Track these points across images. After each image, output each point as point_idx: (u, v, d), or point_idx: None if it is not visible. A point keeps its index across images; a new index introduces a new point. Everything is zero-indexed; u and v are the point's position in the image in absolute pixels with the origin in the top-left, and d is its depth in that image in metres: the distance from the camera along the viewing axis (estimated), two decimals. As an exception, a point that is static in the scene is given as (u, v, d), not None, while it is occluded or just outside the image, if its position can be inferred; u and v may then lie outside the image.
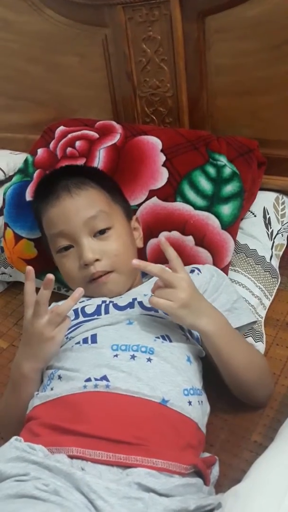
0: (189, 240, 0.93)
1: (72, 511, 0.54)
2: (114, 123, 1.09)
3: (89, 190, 0.84)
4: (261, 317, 0.95)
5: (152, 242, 0.96)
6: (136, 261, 0.71)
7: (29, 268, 0.71)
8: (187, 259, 0.91)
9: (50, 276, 0.69)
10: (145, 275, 0.90)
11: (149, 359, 0.69)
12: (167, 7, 1.02)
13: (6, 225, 1.09)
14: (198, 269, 0.86)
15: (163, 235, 0.94)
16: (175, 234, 0.94)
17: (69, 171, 0.91)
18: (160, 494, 0.57)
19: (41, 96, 1.34)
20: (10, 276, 1.24)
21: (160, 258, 0.93)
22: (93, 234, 0.82)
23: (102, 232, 0.82)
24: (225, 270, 0.93)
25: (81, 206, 0.82)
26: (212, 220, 0.92)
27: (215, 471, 0.69)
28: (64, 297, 0.75)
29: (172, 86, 1.11)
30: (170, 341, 0.73)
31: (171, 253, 0.73)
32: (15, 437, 0.64)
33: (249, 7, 0.95)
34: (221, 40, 1.02)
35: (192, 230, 0.93)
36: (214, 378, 0.79)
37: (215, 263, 0.92)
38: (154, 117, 1.17)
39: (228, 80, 1.05)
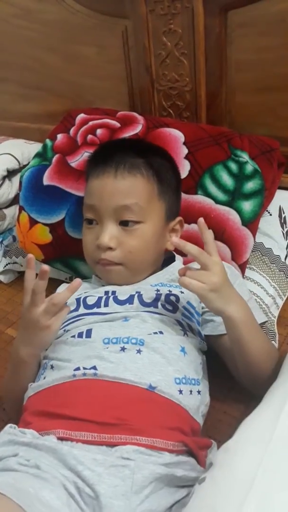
0: (210, 233, 0.89)
1: (46, 482, 0.54)
2: (136, 114, 1.04)
3: (137, 177, 0.77)
4: (274, 316, 0.92)
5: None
6: (176, 239, 0.68)
7: (30, 256, 0.69)
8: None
9: (45, 267, 0.67)
10: (165, 265, 0.86)
11: (138, 351, 0.67)
12: (190, 0, 0.97)
13: (21, 208, 1.04)
14: None
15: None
16: (195, 227, 0.90)
17: (134, 147, 0.83)
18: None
19: (58, 86, 1.29)
20: (21, 266, 1.19)
21: (177, 252, 0.89)
22: (119, 221, 0.77)
23: (128, 224, 0.77)
24: (243, 266, 0.90)
25: (119, 191, 0.76)
26: (233, 216, 0.88)
27: (212, 454, 0.65)
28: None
29: (191, 80, 1.06)
30: (163, 334, 0.70)
31: (208, 236, 0.70)
32: (9, 424, 0.64)
33: (273, 2, 0.91)
34: (243, 35, 0.98)
35: (212, 224, 0.88)
36: (222, 374, 0.76)
37: (233, 259, 0.89)
38: (171, 111, 1.13)
39: (248, 76, 1.01)
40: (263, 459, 0.46)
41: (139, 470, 0.56)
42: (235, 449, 0.50)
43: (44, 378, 0.69)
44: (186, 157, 0.94)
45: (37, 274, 0.68)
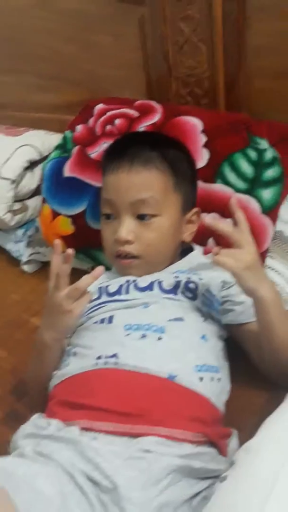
0: (229, 222, 0.89)
1: (45, 469, 0.55)
2: (153, 103, 1.04)
3: (151, 171, 0.78)
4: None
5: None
6: (208, 219, 0.69)
7: (57, 241, 0.71)
8: (226, 241, 0.87)
9: (70, 251, 0.69)
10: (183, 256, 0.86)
11: (159, 338, 0.68)
12: (207, -15, 0.96)
13: (43, 200, 1.06)
14: None
15: (202, 216, 0.90)
16: (214, 216, 0.90)
17: (148, 140, 0.84)
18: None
19: (75, 76, 1.29)
20: (45, 255, 1.21)
21: (197, 241, 0.89)
22: (136, 215, 0.78)
23: (145, 218, 0.78)
24: (263, 255, 0.89)
25: (135, 186, 0.77)
26: (252, 204, 0.88)
27: (233, 444, 0.66)
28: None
29: (209, 66, 1.05)
30: (183, 321, 0.71)
31: (240, 216, 0.70)
32: (37, 414, 0.66)
33: (293, -15, 0.89)
34: (262, 20, 0.95)
35: (232, 213, 0.88)
36: (245, 361, 0.76)
37: (253, 247, 0.89)
38: (190, 99, 1.11)
39: (267, 61, 0.99)
40: (286, 459, 0.46)
41: (156, 462, 0.56)
42: (257, 449, 0.51)
43: (68, 365, 0.70)
44: (205, 146, 0.93)
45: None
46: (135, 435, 0.59)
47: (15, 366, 0.96)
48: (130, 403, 0.62)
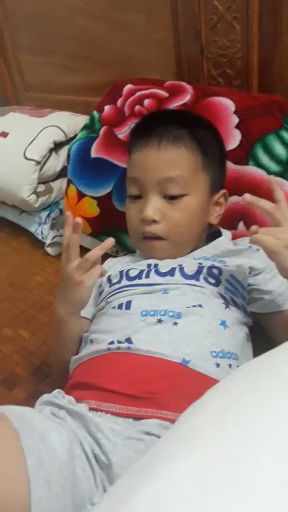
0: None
1: (59, 428, 0.56)
2: (184, 83, 1.01)
3: (181, 149, 0.76)
4: None
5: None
6: (248, 196, 0.66)
7: (69, 213, 0.70)
8: (257, 225, 0.85)
9: (78, 219, 0.68)
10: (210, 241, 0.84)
11: (175, 323, 0.66)
12: None
13: (69, 181, 1.04)
14: None
15: (233, 199, 0.88)
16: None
17: (177, 118, 0.82)
18: None
19: (103, 56, 1.26)
20: (68, 237, 1.21)
21: (227, 224, 0.87)
22: (163, 194, 0.76)
23: (173, 197, 0.76)
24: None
25: (163, 164, 0.75)
26: (286, 186, 0.84)
27: None
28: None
29: (243, 46, 1.01)
30: (202, 307, 0.69)
31: (280, 194, 0.68)
32: (57, 389, 0.66)
33: None
34: (300, -4, 0.92)
35: (264, 196, 0.82)
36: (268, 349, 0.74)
37: (286, 231, 0.86)
38: (221, 80, 1.08)
39: (305, 40, 0.96)
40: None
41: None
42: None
43: (84, 351, 0.70)
44: (237, 127, 0.90)
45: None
46: (139, 417, 0.59)
47: (38, 347, 0.96)
48: (138, 386, 0.61)
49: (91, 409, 0.61)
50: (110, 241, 0.69)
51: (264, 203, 0.66)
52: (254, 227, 0.66)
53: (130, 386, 0.61)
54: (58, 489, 0.51)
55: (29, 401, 0.84)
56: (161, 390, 0.61)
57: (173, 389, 0.61)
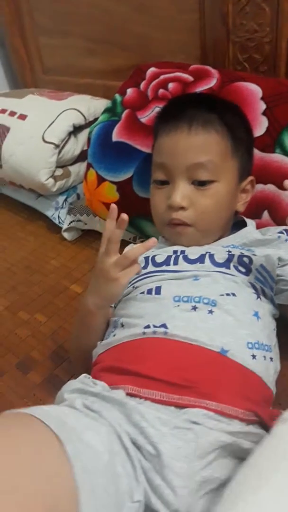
0: (287, 195, 0.84)
1: (96, 425, 0.53)
2: (209, 67, 0.98)
3: (211, 133, 0.74)
4: None
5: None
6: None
7: (114, 206, 0.68)
8: (282, 214, 0.83)
9: (125, 216, 0.66)
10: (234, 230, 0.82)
11: (210, 311, 0.65)
12: None
13: (89, 165, 1.02)
14: None
15: (258, 187, 0.86)
16: (271, 187, 0.85)
17: (206, 102, 0.80)
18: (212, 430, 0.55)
19: (125, 39, 1.24)
20: (85, 224, 1.19)
21: (251, 213, 0.85)
22: (192, 180, 0.74)
23: (202, 183, 0.74)
24: None
25: (193, 148, 0.73)
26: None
27: None
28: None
29: (271, 30, 0.98)
30: (235, 296, 0.67)
31: None
32: (84, 374, 0.64)
33: None
34: None
35: None
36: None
37: (311, 221, 0.84)
38: (247, 65, 1.05)
39: None
40: None
41: (204, 435, 0.54)
42: None
43: (115, 335, 0.68)
44: (264, 113, 0.88)
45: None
46: (182, 406, 0.57)
47: (54, 332, 0.95)
48: (179, 373, 0.59)
49: (128, 394, 0.58)
50: (153, 241, 0.67)
51: None
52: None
53: (170, 373, 0.59)
54: (102, 494, 0.48)
55: (45, 385, 0.84)
56: (203, 379, 0.59)
57: (214, 379, 0.59)
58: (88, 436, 0.51)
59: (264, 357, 0.64)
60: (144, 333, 0.64)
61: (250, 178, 0.80)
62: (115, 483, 0.50)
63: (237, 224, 0.82)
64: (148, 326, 0.64)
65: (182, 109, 0.76)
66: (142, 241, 1.03)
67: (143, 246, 0.67)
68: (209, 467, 0.53)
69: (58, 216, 1.24)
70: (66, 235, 1.21)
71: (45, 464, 0.46)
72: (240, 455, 0.56)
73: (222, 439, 0.54)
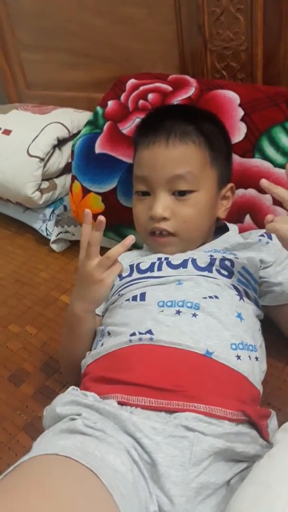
0: (267, 199, 0.85)
1: (111, 447, 0.53)
2: (187, 77, 1.00)
3: (189, 145, 0.75)
4: None
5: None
6: (265, 181, 0.65)
7: (87, 211, 0.69)
8: (264, 218, 0.85)
9: (102, 218, 0.66)
10: (217, 235, 0.84)
11: (194, 314, 0.66)
12: None
13: (74, 177, 1.04)
14: (268, 237, 0.77)
15: (239, 192, 0.88)
16: (252, 192, 0.87)
17: (183, 113, 0.82)
18: (206, 435, 0.55)
19: (106, 52, 1.26)
20: (73, 235, 1.20)
21: (233, 218, 0.87)
22: (172, 191, 0.76)
23: (182, 193, 0.75)
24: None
25: (171, 161, 0.75)
26: (293, 179, 0.85)
27: (272, 425, 0.64)
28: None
29: (247, 38, 1.00)
30: (218, 299, 0.69)
31: (281, 191, 0.65)
32: (72, 386, 0.64)
33: None
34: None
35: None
36: (281, 341, 0.75)
37: (293, 224, 0.85)
38: (225, 73, 1.07)
39: (310, 30, 0.95)
40: None
41: (199, 442, 0.55)
42: None
43: (102, 345, 0.69)
44: (242, 119, 0.90)
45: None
46: (172, 410, 0.58)
47: (45, 343, 0.96)
48: (166, 378, 0.60)
49: (119, 403, 0.59)
50: (130, 239, 0.68)
51: (280, 190, 0.65)
52: (269, 216, 0.65)
53: (158, 379, 0.60)
54: None
55: (37, 396, 0.85)
56: (190, 382, 0.60)
57: (201, 381, 0.60)
58: (111, 460, 0.52)
59: (249, 357, 0.66)
60: (130, 340, 0.65)
61: (230, 185, 0.82)
62: (140, 499, 0.51)
63: (220, 230, 0.84)
64: (134, 334, 0.65)
65: (160, 121, 0.78)
66: (130, 249, 1.05)
67: (122, 245, 0.68)
68: (205, 473, 0.54)
69: (46, 228, 1.25)
70: (54, 246, 1.23)
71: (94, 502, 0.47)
72: (234, 457, 0.57)
73: (217, 446, 0.55)
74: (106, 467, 0.50)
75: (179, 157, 0.75)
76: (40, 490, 0.46)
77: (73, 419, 0.58)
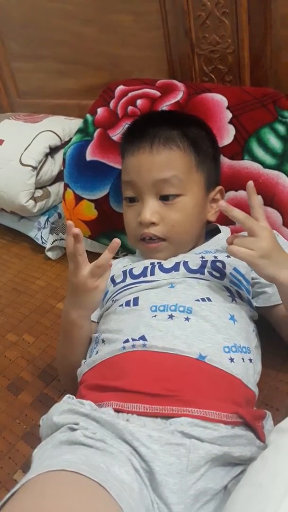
0: (260, 198, 0.86)
1: (114, 457, 0.53)
2: (175, 81, 1.02)
3: (173, 150, 0.76)
4: None
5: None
6: (223, 203, 0.67)
7: (70, 222, 0.69)
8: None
9: (76, 230, 0.67)
10: (209, 237, 0.84)
11: (187, 318, 0.66)
12: None
13: (66, 185, 1.05)
14: None
15: (230, 194, 0.88)
16: (242, 193, 0.88)
17: (168, 119, 0.83)
18: (203, 441, 0.56)
19: (95, 59, 1.27)
20: (68, 241, 1.21)
21: (226, 220, 0.87)
22: (159, 196, 0.76)
23: (168, 197, 0.76)
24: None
25: (156, 166, 0.76)
26: (282, 179, 0.85)
27: (268, 426, 0.65)
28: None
29: (233, 41, 1.01)
30: (211, 301, 0.69)
31: (255, 201, 0.67)
32: (67, 395, 0.65)
33: None
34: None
35: (261, 189, 0.85)
36: (277, 342, 0.75)
37: (285, 224, 0.86)
38: (213, 76, 1.08)
39: (295, 31, 0.96)
40: None
41: (195, 449, 0.55)
42: None
43: (97, 352, 0.70)
44: (231, 122, 0.91)
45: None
46: (167, 416, 0.58)
47: (43, 351, 0.97)
48: (160, 384, 0.61)
49: (114, 410, 0.60)
50: (116, 242, 0.69)
51: (236, 213, 0.66)
52: (229, 238, 0.67)
53: (152, 385, 0.60)
54: None
55: (36, 404, 0.85)
56: (184, 386, 0.60)
57: (194, 385, 0.61)
58: (116, 471, 0.52)
59: (243, 359, 0.66)
60: (124, 347, 0.65)
61: (219, 187, 0.83)
62: (147, 508, 0.52)
63: (212, 232, 0.85)
64: (127, 341, 0.66)
65: (144, 128, 0.79)
66: (124, 255, 1.06)
67: (109, 250, 0.69)
68: (202, 479, 0.54)
69: (41, 236, 1.26)
70: (50, 254, 1.23)
71: None
72: (231, 461, 0.57)
73: (213, 452, 0.55)
74: (113, 479, 0.50)
75: (163, 161, 0.76)
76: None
77: (71, 429, 0.58)
